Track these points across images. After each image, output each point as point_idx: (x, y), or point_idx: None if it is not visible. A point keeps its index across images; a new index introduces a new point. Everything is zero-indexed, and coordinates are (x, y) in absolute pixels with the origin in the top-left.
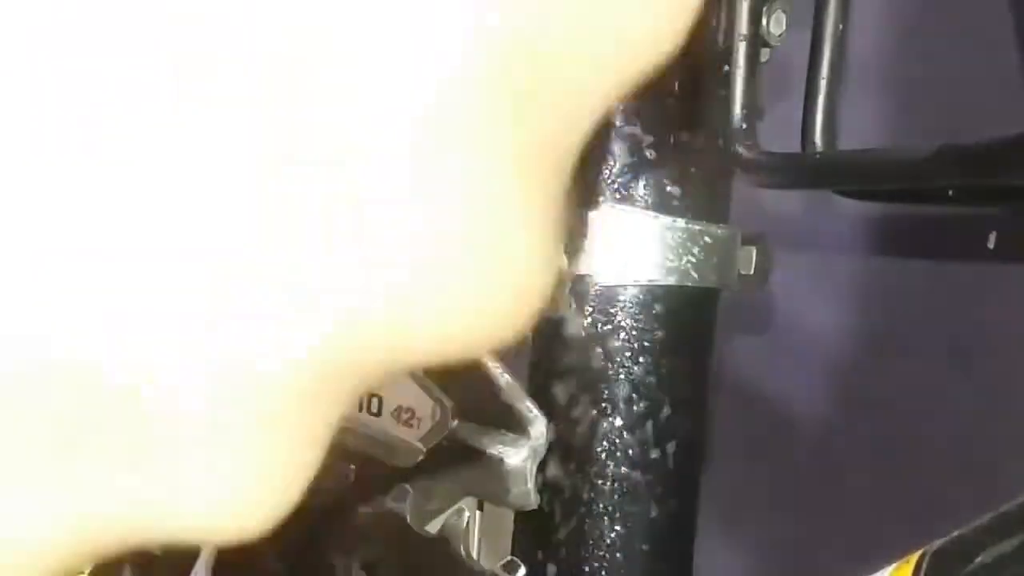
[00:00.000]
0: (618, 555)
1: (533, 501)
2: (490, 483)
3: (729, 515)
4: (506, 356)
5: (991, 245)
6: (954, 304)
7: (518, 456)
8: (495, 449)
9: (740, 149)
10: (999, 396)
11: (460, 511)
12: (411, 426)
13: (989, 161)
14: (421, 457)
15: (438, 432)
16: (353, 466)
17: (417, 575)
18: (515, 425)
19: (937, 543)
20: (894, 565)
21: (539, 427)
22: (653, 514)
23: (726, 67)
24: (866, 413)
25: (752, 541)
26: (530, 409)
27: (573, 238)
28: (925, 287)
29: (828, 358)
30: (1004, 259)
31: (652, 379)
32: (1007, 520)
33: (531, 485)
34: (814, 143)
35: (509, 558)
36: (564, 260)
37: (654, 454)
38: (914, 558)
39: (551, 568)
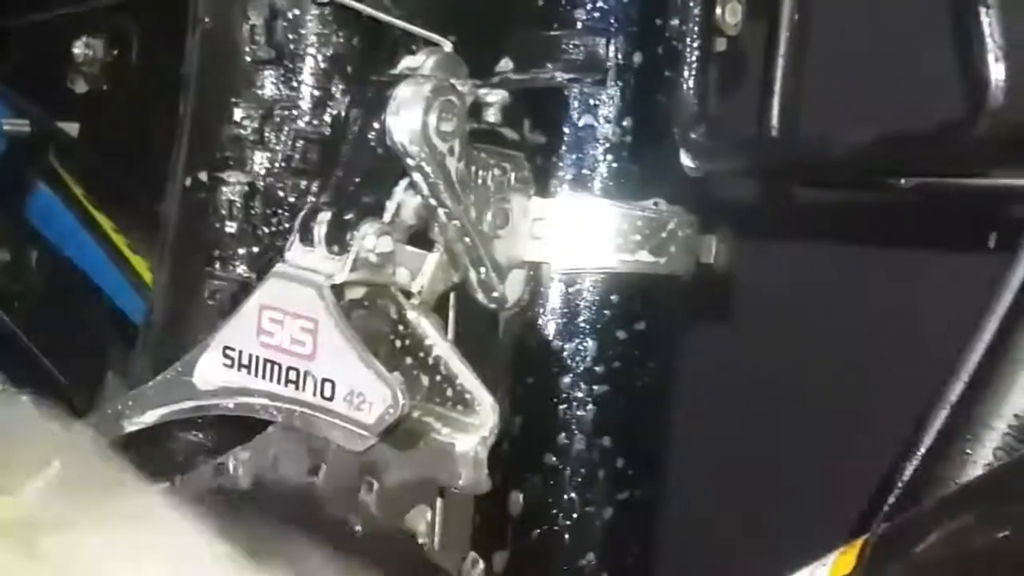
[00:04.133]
0: (574, 543)
1: (485, 485)
2: (442, 467)
3: (691, 508)
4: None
5: (991, 245)
6: (954, 303)
7: (469, 441)
8: (447, 434)
9: (695, 136)
10: (1000, 394)
11: (423, 510)
12: (362, 410)
13: (931, 148)
14: (373, 442)
15: (389, 416)
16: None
17: (379, 567)
18: (467, 410)
19: (880, 528)
20: (841, 549)
21: (491, 413)
22: (612, 503)
23: (681, 55)
24: (865, 412)
25: (720, 530)
26: (482, 395)
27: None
28: (925, 286)
29: (827, 356)
30: (1004, 259)
31: (609, 367)
32: (952, 502)
33: (482, 470)
34: (770, 129)
35: (470, 554)
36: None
37: (610, 442)
38: (859, 542)
39: (507, 556)
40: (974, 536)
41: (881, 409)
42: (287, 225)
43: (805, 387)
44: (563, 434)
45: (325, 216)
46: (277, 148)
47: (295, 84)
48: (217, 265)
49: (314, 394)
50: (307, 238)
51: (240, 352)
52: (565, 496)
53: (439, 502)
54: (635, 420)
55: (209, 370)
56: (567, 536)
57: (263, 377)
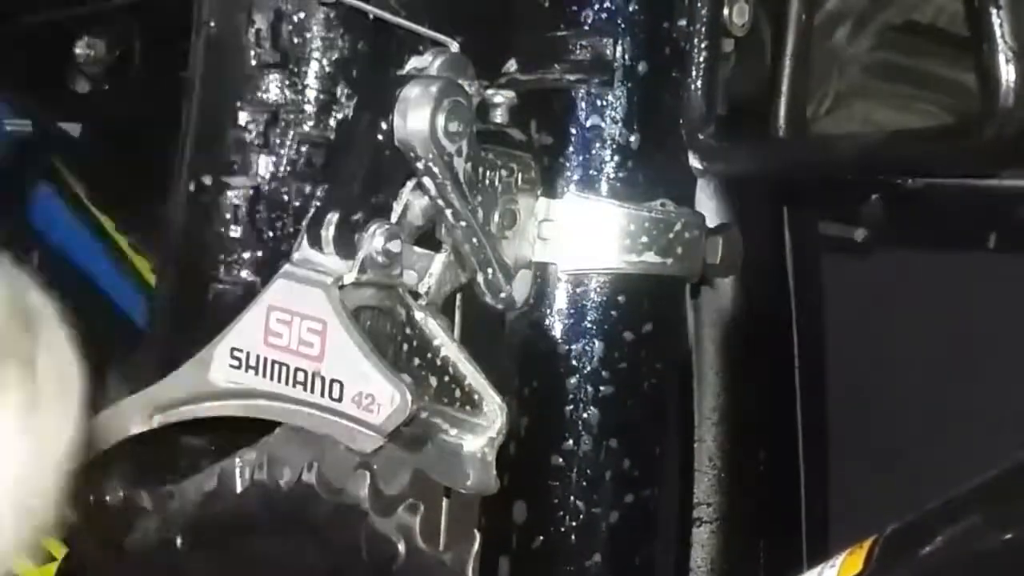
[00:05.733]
0: (581, 544)
1: (492, 486)
2: (449, 468)
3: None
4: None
5: (991, 245)
6: (954, 303)
7: (477, 442)
8: (455, 435)
9: (702, 136)
10: (999, 394)
11: (415, 506)
12: (371, 411)
13: (941, 149)
14: (382, 443)
15: (397, 417)
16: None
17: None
18: (475, 411)
19: (889, 528)
20: (848, 550)
21: (499, 414)
22: (618, 505)
23: (688, 56)
24: (863, 411)
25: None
26: (491, 395)
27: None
28: (925, 286)
29: (828, 356)
30: (1004, 259)
31: (616, 368)
32: (959, 504)
33: (490, 471)
34: (777, 130)
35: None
36: None
37: (617, 443)
38: (868, 542)
39: (513, 557)
40: (981, 538)
41: (933, 424)
42: (292, 229)
43: None
44: (569, 435)
45: (333, 217)
46: (282, 152)
47: (300, 88)
48: (221, 269)
49: (322, 395)
50: (315, 239)
51: (248, 353)
52: (571, 497)
53: (444, 502)
54: (642, 421)
55: (216, 372)
56: (573, 537)
57: (271, 378)
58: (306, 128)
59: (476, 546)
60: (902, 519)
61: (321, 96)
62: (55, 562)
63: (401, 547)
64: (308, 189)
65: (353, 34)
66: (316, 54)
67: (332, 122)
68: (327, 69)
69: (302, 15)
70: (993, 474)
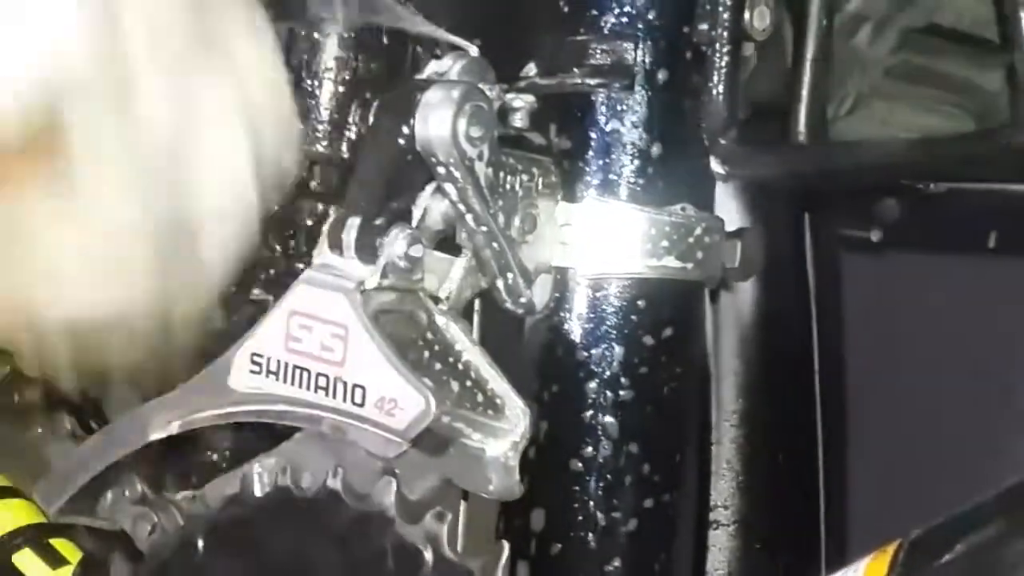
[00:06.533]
0: (600, 549)
1: (516, 492)
2: (472, 473)
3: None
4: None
5: (991, 245)
6: (954, 302)
7: (500, 447)
8: (477, 439)
9: (724, 141)
10: (1000, 394)
11: (442, 514)
12: (394, 416)
13: (968, 153)
14: (405, 448)
15: (421, 422)
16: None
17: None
18: (497, 415)
19: (914, 533)
20: (871, 555)
21: (522, 418)
22: (638, 510)
23: (709, 60)
24: (864, 410)
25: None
26: (513, 399)
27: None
28: (925, 285)
29: (827, 355)
30: (1004, 259)
31: (635, 373)
32: (983, 510)
33: (513, 476)
34: (797, 135)
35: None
36: None
37: (637, 448)
38: (892, 548)
39: (532, 562)
40: (1006, 544)
41: (933, 424)
42: (304, 248)
43: None
44: (589, 440)
45: (354, 222)
46: (294, 171)
47: (313, 107)
48: (233, 288)
49: (344, 400)
50: (336, 244)
51: (268, 358)
52: (591, 502)
53: (463, 506)
54: (662, 426)
55: (236, 377)
56: (593, 542)
57: (292, 383)
58: (319, 147)
59: (504, 556)
60: (926, 524)
61: (334, 115)
62: (69, 566)
63: (428, 555)
64: (321, 208)
65: (367, 53)
66: (329, 74)
67: (345, 142)
68: (340, 89)
69: (316, 35)
70: (1018, 480)
